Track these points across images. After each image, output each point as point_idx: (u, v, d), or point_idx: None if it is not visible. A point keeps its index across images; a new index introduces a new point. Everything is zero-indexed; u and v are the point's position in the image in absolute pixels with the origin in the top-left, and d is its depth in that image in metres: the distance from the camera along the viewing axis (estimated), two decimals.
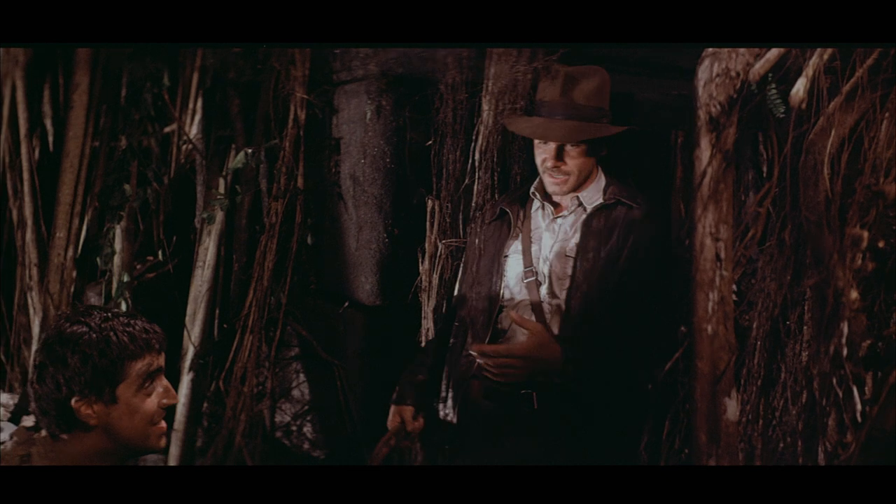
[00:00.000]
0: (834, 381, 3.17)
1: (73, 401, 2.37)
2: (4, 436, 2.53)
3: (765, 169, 4.04)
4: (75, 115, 5.39)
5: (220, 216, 5.25)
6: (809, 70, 3.17)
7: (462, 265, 4.18)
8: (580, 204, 3.86)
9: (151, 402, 2.44)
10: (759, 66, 3.27)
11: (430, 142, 4.72)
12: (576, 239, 3.80)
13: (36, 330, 5.36)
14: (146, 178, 5.56)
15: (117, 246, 5.47)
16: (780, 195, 3.47)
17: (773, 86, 3.37)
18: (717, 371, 3.31)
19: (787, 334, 3.50)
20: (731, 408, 3.34)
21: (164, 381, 2.47)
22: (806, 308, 3.45)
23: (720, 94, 3.28)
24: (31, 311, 5.43)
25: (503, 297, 3.86)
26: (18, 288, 5.53)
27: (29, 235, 5.47)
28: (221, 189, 5.25)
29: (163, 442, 2.50)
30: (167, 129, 5.66)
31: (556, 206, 3.90)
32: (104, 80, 5.49)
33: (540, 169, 3.87)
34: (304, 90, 5.10)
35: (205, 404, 5.25)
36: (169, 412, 5.29)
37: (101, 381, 2.38)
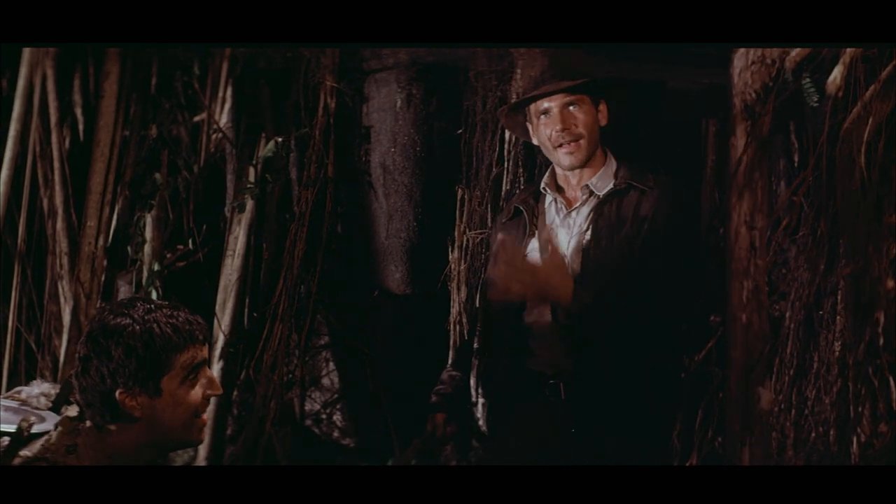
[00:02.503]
0: (870, 370, 3.16)
1: (117, 393, 2.36)
2: (49, 425, 2.50)
3: (796, 158, 4.02)
4: (106, 105, 5.40)
5: (250, 205, 5.26)
6: (846, 57, 3.16)
7: (487, 266, 4.16)
8: (592, 193, 3.83)
9: (196, 394, 2.42)
10: (796, 54, 3.25)
11: (459, 130, 4.72)
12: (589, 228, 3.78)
13: (67, 319, 5.38)
14: (176, 167, 5.57)
15: (148, 235, 5.49)
16: (814, 184, 3.46)
17: (808, 74, 3.36)
18: (751, 360, 3.30)
19: (821, 324, 3.49)
20: (765, 397, 3.33)
21: (209, 373, 2.46)
22: (839, 298, 3.44)
23: (756, 82, 3.27)
24: (62, 299, 5.45)
25: None
26: (49, 277, 5.55)
27: (59, 224, 5.48)
28: (251, 178, 5.26)
29: (203, 435, 2.49)
30: (197, 118, 5.67)
31: (568, 200, 3.88)
32: (134, 69, 5.50)
33: (551, 148, 3.83)
34: (333, 78, 5.09)
35: (235, 392, 5.27)
36: None
37: (146, 373, 2.37)
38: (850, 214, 3.24)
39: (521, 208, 3.94)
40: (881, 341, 3.12)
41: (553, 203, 3.88)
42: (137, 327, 2.37)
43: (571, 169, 3.83)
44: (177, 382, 2.40)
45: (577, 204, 3.83)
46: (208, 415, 5.10)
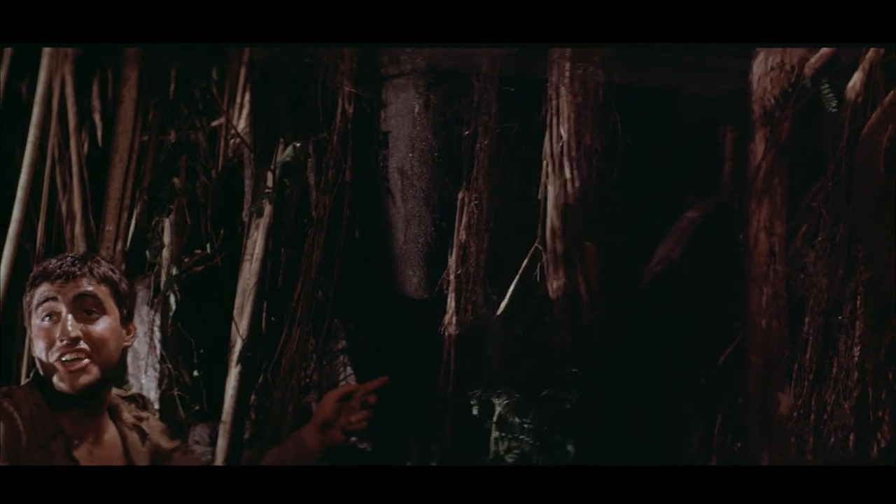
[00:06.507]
0: (889, 375, 3.17)
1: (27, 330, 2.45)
2: None
3: (814, 164, 4.03)
4: (124, 110, 5.42)
5: (268, 209, 5.27)
6: (866, 63, 3.17)
7: None
8: None
9: (47, 330, 2.37)
10: (814, 60, 3.27)
11: (467, 132, 4.76)
12: None
13: None
14: (194, 172, 5.59)
15: (166, 239, 5.50)
16: (833, 190, 3.47)
17: (826, 80, 3.37)
18: (771, 365, 3.31)
19: (840, 329, 3.50)
20: (784, 402, 3.34)
21: (65, 315, 2.37)
22: (858, 303, 3.45)
23: (775, 88, 3.28)
24: None
25: None
26: None
27: (78, 229, 5.50)
28: (269, 182, 5.27)
29: (68, 383, 2.35)
30: (214, 123, 5.69)
31: None
32: (153, 74, 5.52)
33: None
34: (351, 84, 5.11)
35: (252, 396, 5.28)
36: (217, 403, 5.36)
37: (27, 309, 2.43)
38: (868, 220, 3.24)
39: None
40: None
41: None
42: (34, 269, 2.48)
43: None
44: (32, 317, 2.43)
45: None
46: (226, 417, 5.19)
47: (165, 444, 2.54)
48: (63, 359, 2.36)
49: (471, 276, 4.70)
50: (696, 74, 4.42)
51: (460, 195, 4.74)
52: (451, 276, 4.76)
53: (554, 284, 4.32)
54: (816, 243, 3.53)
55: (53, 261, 2.44)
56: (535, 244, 4.54)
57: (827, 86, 3.36)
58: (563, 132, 4.52)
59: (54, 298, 2.39)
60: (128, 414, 2.53)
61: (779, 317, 3.30)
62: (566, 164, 4.52)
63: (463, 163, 4.82)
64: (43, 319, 2.40)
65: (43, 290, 2.40)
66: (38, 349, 2.40)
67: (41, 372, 2.41)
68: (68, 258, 2.45)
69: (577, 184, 4.41)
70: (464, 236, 4.71)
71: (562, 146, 4.50)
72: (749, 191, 3.30)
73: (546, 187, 4.57)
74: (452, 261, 4.75)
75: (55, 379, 2.37)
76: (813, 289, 3.53)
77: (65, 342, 2.37)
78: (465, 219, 4.71)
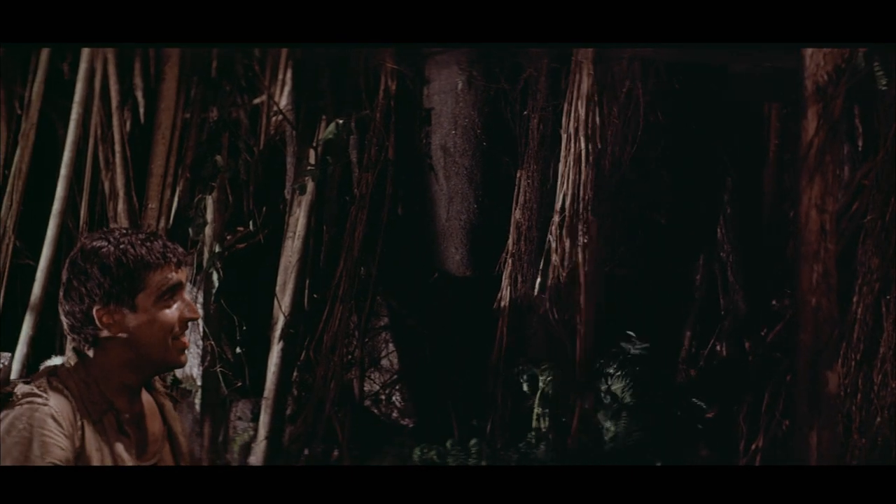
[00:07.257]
0: None
1: (94, 310, 2.42)
2: None
3: (860, 143, 4.00)
4: (166, 87, 5.44)
5: (310, 187, 5.27)
6: None
7: None
8: None
9: (172, 314, 2.40)
10: None
11: (525, 111, 4.75)
12: None
13: None
14: (237, 150, 5.60)
15: (209, 216, 5.51)
16: (882, 168, 3.45)
17: (878, 58, 3.35)
18: (820, 344, 3.30)
19: (888, 308, 3.49)
20: (833, 380, 3.33)
21: (186, 297, 2.42)
22: None
23: (828, 64, 3.25)
24: None
25: None
26: None
27: (121, 206, 5.53)
28: (312, 160, 5.27)
29: (184, 358, 2.44)
30: (257, 101, 5.69)
31: None
32: (194, 52, 5.53)
33: None
34: (394, 61, 5.10)
35: (295, 373, 5.30)
36: (259, 380, 5.39)
37: (120, 289, 2.42)
38: None
39: None
40: None
41: None
42: (112, 248, 2.45)
43: None
44: (151, 301, 2.43)
45: None
46: (269, 393, 5.22)
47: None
48: (176, 336, 2.44)
49: (522, 253, 4.70)
50: (744, 51, 4.40)
51: (518, 174, 4.75)
52: (507, 254, 4.78)
53: (561, 259, 4.33)
54: (866, 222, 3.51)
55: (156, 243, 2.46)
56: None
57: (879, 63, 3.33)
58: (579, 108, 4.52)
59: (181, 283, 2.44)
60: (157, 383, 2.59)
61: (829, 295, 3.28)
62: (581, 139, 4.52)
63: (518, 141, 4.82)
64: (168, 303, 2.45)
65: (169, 275, 2.41)
66: (162, 331, 2.45)
67: (148, 353, 2.44)
68: (157, 241, 2.48)
69: (589, 159, 4.42)
70: (518, 214, 4.71)
71: (577, 122, 4.51)
72: (800, 168, 3.27)
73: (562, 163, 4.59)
74: (510, 239, 4.77)
75: (169, 357, 2.43)
76: (862, 267, 3.52)
77: (188, 322, 2.44)
78: (521, 198, 4.72)
